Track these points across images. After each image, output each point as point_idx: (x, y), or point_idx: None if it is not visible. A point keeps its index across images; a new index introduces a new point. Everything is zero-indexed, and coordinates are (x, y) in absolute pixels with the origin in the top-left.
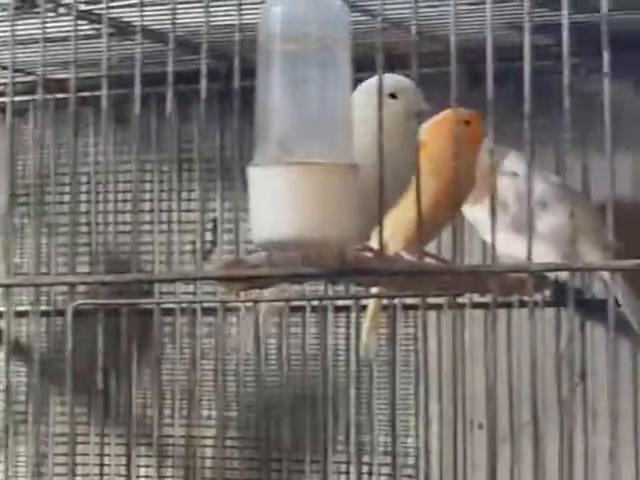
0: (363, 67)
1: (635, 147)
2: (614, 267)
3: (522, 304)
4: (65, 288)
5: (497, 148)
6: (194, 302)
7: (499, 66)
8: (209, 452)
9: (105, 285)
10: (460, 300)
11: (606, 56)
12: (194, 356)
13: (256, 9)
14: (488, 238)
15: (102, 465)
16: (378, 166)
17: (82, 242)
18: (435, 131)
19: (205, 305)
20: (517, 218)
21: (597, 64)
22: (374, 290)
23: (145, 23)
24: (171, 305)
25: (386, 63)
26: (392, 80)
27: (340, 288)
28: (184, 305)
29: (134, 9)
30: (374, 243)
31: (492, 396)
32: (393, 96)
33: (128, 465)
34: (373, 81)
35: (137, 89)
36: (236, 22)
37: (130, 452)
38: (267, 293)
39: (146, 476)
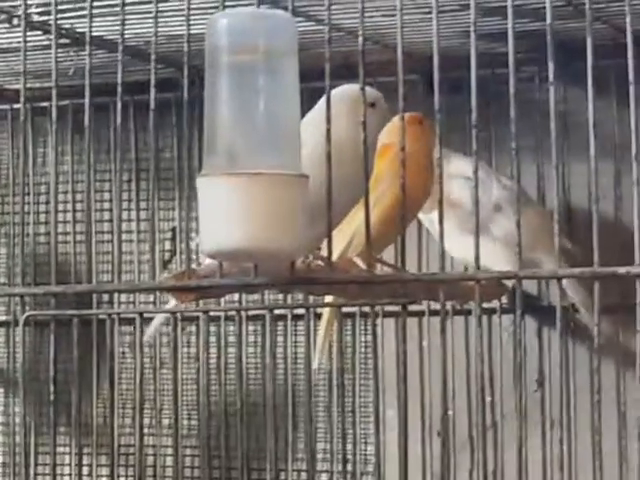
0: (317, 76)
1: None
2: (560, 275)
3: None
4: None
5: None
6: (147, 312)
7: (455, 74)
8: (170, 461)
9: (55, 296)
10: (418, 307)
11: (551, 66)
12: (155, 365)
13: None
14: (444, 244)
15: (54, 475)
16: (337, 175)
17: (42, 252)
18: (397, 129)
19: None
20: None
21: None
22: (328, 299)
23: (100, 33)
24: (130, 315)
25: (345, 72)
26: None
27: (299, 297)
28: (129, 315)
29: (85, 19)
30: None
31: (444, 404)
32: (373, 105)
33: (79, 473)
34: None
35: (87, 99)
36: (185, 32)
37: (81, 461)
38: None
39: None
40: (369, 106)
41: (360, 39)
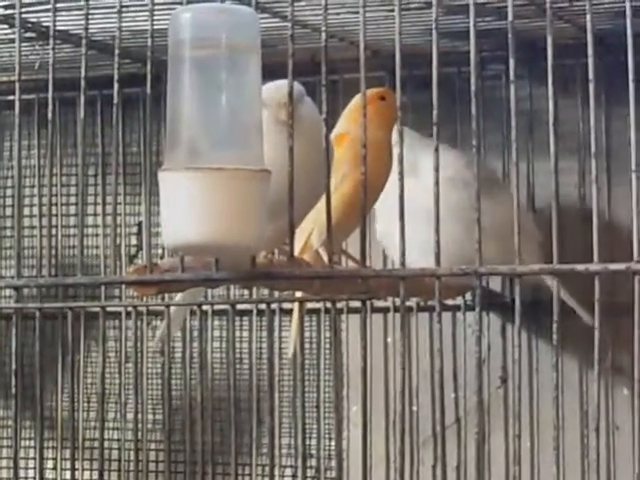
0: (283, 73)
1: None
2: (519, 272)
3: (444, 308)
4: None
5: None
6: (111, 306)
7: (420, 71)
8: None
9: (18, 290)
10: (383, 304)
11: (512, 63)
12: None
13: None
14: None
15: (16, 468)
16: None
17: (8, 246)
18: (354, 116)
19: (130, 309)
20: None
21: (520, 71)
22: (298, 293)
23: (67, 27)
24: (96, 309)
25: (313, 69)
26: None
27: (264, 292)
28: (94, 309)
29: (51, 13)
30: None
31: (405, 399)
32: None
33: (41, 466)
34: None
35: (50, 93)
36: (149, 27)
37: (42, 454)
38: (179, 296)
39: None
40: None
41: (323, 35)
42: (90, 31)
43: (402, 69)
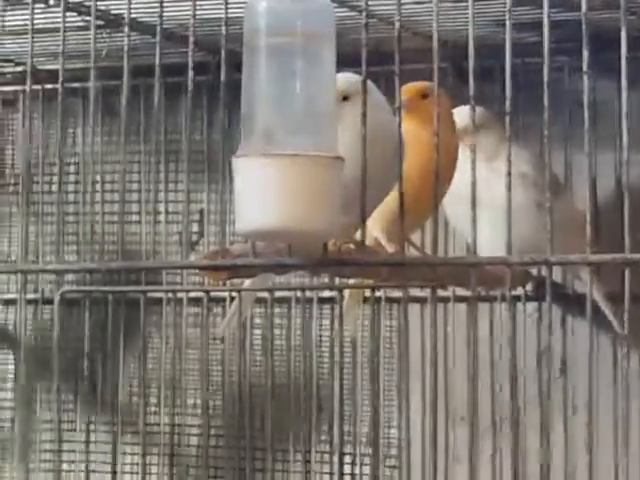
0: (351, 62)
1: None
2: (591, 260)
3: (504, 298)
4: (53, 276)
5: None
6: (179, 290)
7: (486, 63)
8: (194, 441)
9: (91, 273)
10: (444, 294)
11: (586, 55)
12: (180, 345)
13: (244, 2)
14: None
15: (88, 452)
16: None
17: (70, 231)
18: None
19: (191, 295)
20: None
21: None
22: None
23: (134, 15)
24: (158, 295)
25: (376, 59)
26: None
27: (325, 281)
28: (170, 295)
29: (123, 1)
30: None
31: (472, 389)
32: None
33: (114, 453)
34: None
35: (125, 80)
36: (223, 15)
37: (116, 440)
38: (248, 282)
39: (131, 464)
40: (342, 99)
41: (397, 25)
42: (157, 19)
43: (465, 60)
